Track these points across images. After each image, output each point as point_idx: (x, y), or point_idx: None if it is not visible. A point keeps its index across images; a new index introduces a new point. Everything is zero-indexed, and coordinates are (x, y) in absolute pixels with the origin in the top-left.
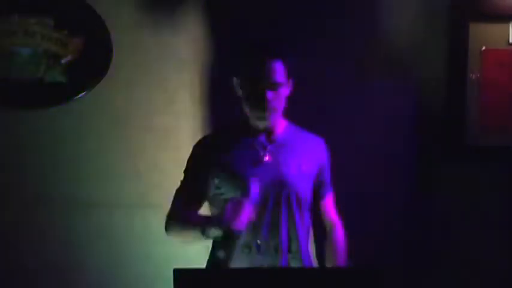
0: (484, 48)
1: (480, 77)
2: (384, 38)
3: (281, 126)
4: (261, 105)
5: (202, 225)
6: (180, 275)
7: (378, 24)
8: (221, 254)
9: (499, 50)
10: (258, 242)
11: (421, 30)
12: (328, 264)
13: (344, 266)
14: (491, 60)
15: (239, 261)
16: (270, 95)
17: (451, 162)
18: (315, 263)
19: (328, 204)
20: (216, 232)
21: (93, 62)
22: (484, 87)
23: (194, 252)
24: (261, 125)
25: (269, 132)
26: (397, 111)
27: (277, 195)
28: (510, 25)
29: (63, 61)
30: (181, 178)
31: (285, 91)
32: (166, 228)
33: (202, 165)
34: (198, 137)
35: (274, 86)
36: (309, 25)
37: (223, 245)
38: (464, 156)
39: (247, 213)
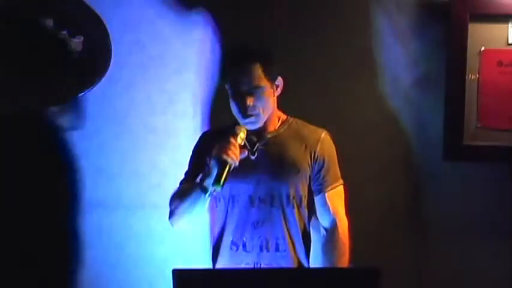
0: (483, 48)
1: (479, 78)
2: (381, 38)
3: (274, 122)
4: (242, 110)
5: (199, 183)
6: (179, 275)
7: (376, 24)
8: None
9: (498, 50)
10: (244, 239)
11: (419, 30)
12: (326, 264)
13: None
14: (490, 61)
15: (226, 258)
16: (250, 100)
17: (450, 163)
18: (306, 263)
19: (330, 199)
20: (213, 184)
21: (92, 62)
22: (483, 87)
23: (193, 252)
24: (250, 127)
25: (260, 130)
26: (395, 112)
27: (265, 193)
28: (509, 25)
29: None
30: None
31: (270, 92)
32: (170, 215)
33: (198, 162)
34: (197, 138)
35: (254, 91)
36: (307, 22)
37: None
38: (463, 156)
39: (236, 149)
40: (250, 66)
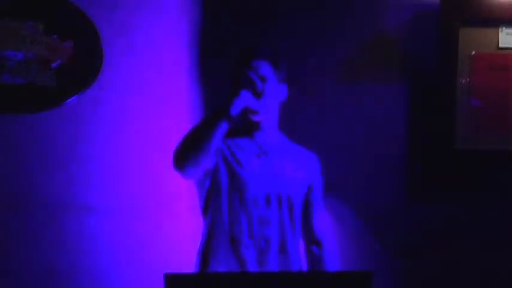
0: (474, 52)
1: (470, 82)
2: (373, 42)
3: (277, 135)
4: (252, 92)
5: (222, 109)
6: (171, 279)
7: (367, 28)
8: None
9: (489, 54)
10: (248, 237)
11: (410, 34)
12: None
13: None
14: (481, 65)
15: (227, 255)
16: (259, 84)
17: (441, 167)
18: (304, 267)
19: (318, 220)
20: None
21: (83, 66)
22: (474, 91)
23: (186, 256)
24: (255, 118)
25: (266, 137)
26: (386, 116)
27: (271, 193)
28: (500, 29)
29: (53, 65)
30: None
31: (275, 91)
32: (180, 160)
33: None
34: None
35: (263, 78)
36: (299, 28)
37: None
38: (455, 160)
39: None
40: (262, 61)
